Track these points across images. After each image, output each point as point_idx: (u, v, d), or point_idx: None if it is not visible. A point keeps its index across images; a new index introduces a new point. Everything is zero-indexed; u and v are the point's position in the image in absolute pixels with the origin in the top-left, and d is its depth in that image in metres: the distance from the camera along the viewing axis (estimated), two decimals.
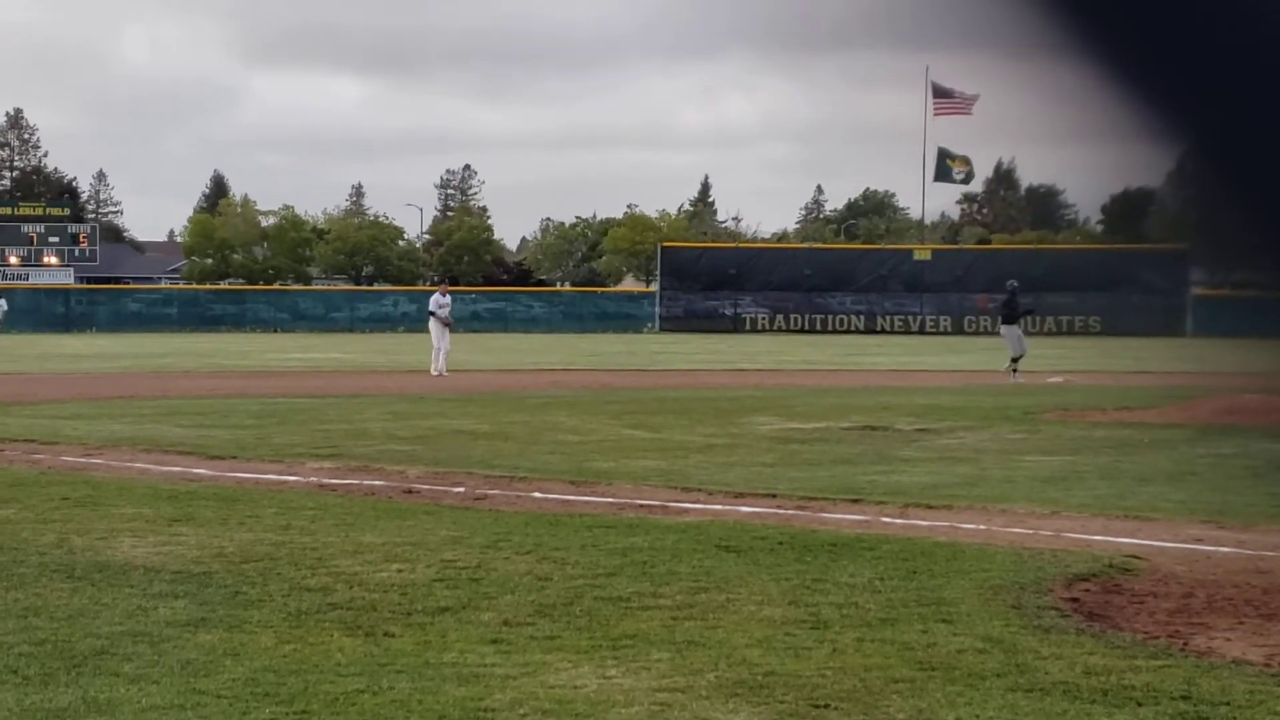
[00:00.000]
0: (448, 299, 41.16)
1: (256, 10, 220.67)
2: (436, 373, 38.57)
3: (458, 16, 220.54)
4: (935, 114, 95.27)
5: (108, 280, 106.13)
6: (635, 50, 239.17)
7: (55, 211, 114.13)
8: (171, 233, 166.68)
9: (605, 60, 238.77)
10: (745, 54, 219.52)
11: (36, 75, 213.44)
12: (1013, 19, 2.18)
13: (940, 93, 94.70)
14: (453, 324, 39.92)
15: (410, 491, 14.61)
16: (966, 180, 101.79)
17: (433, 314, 40.38)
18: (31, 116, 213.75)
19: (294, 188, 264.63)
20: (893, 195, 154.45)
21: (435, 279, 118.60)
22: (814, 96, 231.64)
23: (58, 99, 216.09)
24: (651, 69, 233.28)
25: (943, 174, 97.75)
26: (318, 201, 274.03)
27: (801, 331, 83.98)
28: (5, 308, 60.54)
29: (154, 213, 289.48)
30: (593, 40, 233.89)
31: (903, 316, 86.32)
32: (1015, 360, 37.27)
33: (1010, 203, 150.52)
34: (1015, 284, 40.29)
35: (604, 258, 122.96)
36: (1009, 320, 38.54)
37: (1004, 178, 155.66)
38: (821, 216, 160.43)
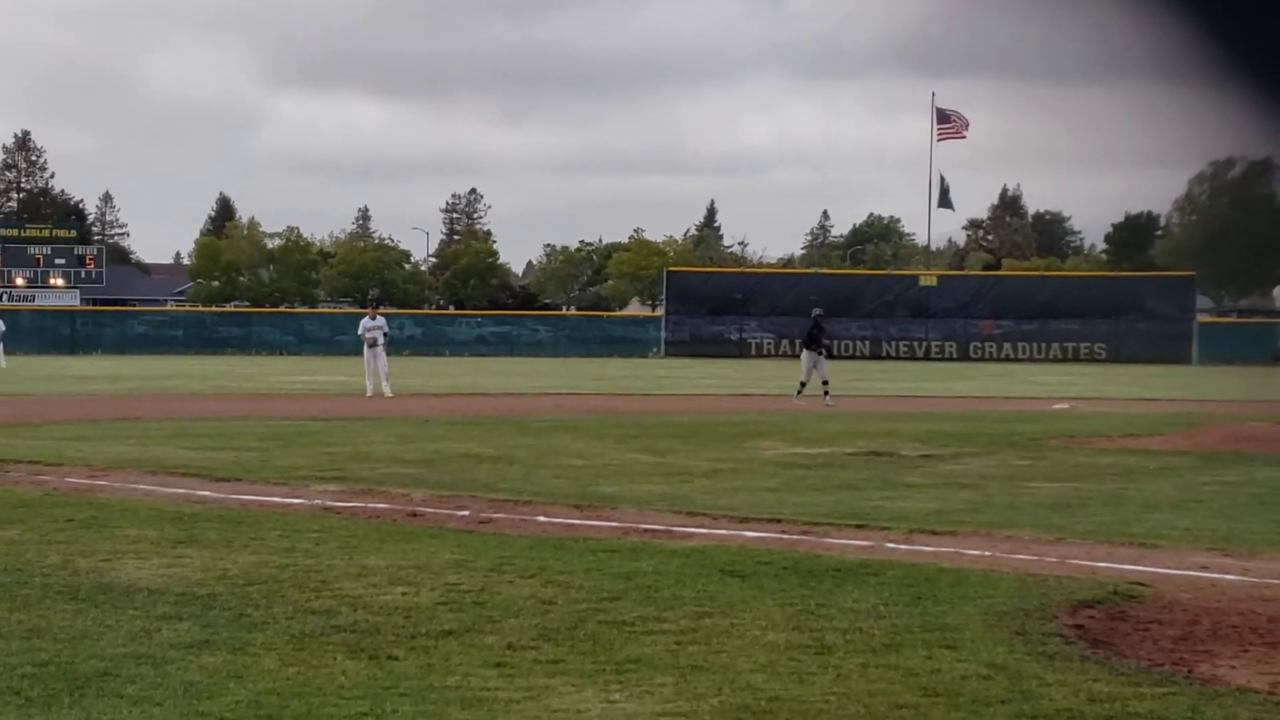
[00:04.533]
0: (378, 321, 41.65)
1: (284, 35, 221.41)
2: (372, 394, 39.03)
3: (485, 41, 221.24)
4: (939, 139, 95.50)
5: (114, 302, 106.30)
6: (658, 75, 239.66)
7: (62, 233, 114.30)
8: (178, 255, 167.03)
9: (628, 84, 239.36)
10: (767, 80, 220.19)
11: (58, 98, 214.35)
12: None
13: (942, 117, 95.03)
14: (379, 344, 40.38)
15: (415, 514, 14.60)
16: (945, 204, 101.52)
17: (361, 337, 41.05)
18: (48, 139, 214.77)
19: (303, 211, 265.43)
20: (898, 221, 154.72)
21: (442, 302, 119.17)
22: (829, 121, 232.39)
23: (78, 122, 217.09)
24: (673, 94, 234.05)
25: (944, 200, 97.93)
26: (325, 225, 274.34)
27: None
28: (3, 328, 60.52)
29: (164, 235, 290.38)
30: (617, 64, 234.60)
31: (908, 342, 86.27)
32: (803, 385, 38.42)
33: (1016, 229, 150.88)
34: (820, 311, 40.78)
35: (609, 282, 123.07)
36: (810, 346, 38.87)
37: (1010, 204, 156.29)
38: (827, 242, 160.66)
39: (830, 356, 40.40)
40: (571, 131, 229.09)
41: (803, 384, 38.63)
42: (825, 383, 38.02)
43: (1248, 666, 8.27)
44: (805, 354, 39.34)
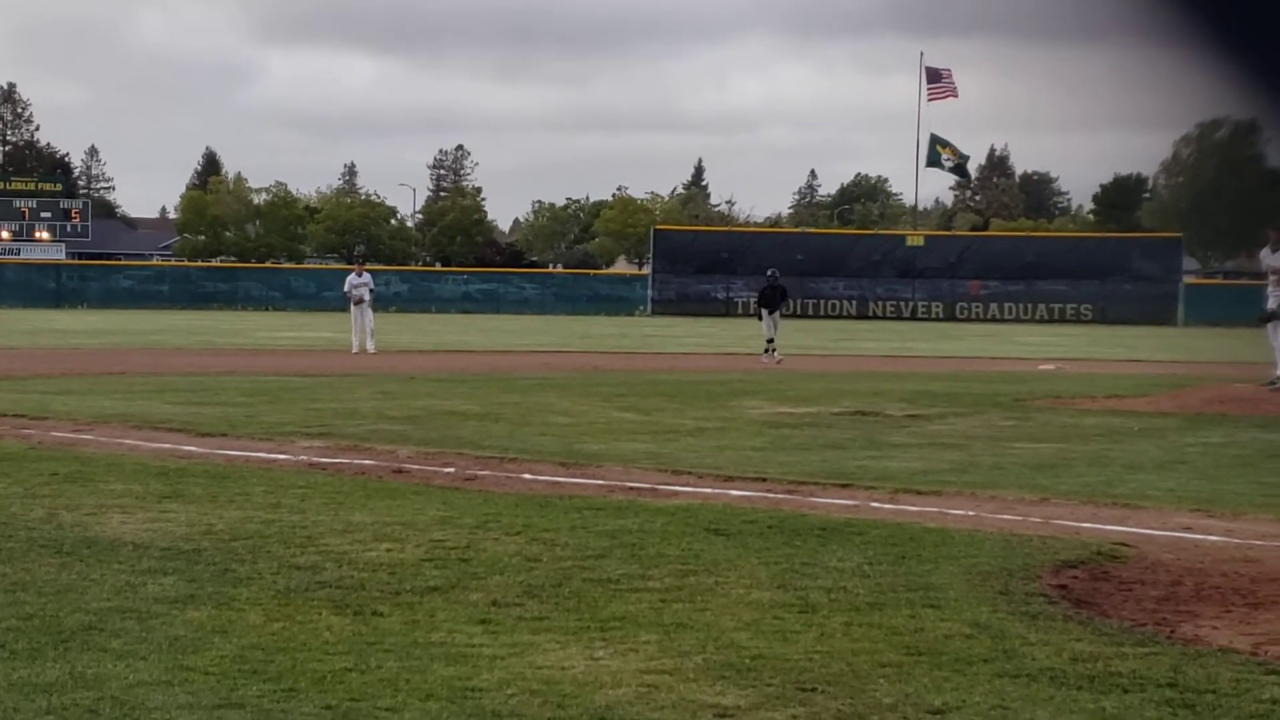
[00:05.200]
0: (364, 278, 41.61)
1: None
2: (357, 351, 39.03)
3: None
4: (929, 99, 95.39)
5: (99, 256, 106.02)
6: (650, 32, 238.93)
7: (47, 187, 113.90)
8: (164, 209, 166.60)
9: (620, 41, 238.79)
10: (758, 38, 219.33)
11: (45, 50, 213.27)
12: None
13: (932, 76, 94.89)
14: (366, 301, 40.41)
15: (400, 471, 14.60)
16: (957, 170, 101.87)
17: (347, 294, 41.06)
18: (35, 91, 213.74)
19: (291, 166, 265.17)
20: (885, 180, 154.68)
21: (428, 259, 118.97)
22: (818, 80, 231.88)
23: (65, 74, 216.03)
24: (664, 51, 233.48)
25: (934, 160, 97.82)
26: (313, 180, 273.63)
27: (793, 316, 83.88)
28: None
29: (150, 189, 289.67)
30: (610, 21, 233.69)
31: (895, 302, 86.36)
32: (770, 342, 39.27)
33: (1003, 189, 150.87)
34: (776, 271, 41.90)
35: (596, 240, 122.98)
36: (770, 306, 39.89)
37: (997, 164, 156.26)
38: (815, 201, 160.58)
39: (783, 316, 41.05)
40: (562, 89, 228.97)
41: (769, 341, 39.29)
42: (770, 340, 38.85)
43: (1230, 627, 8.30)
44: (764, 314, 39.91)
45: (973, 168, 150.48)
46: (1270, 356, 25.49)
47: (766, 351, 38.86)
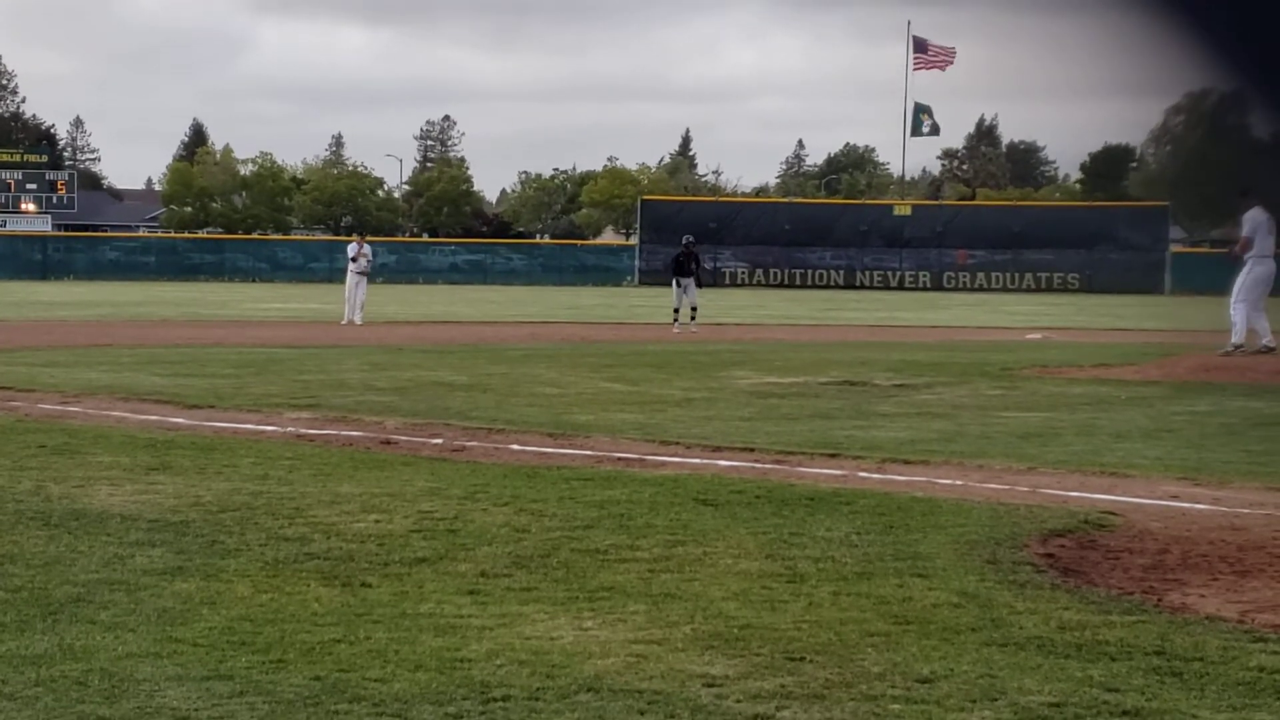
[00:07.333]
0: (365, 248, 41.79)
1: None
2: (347, 322, 39.17)
3: None
4: (915, 68, 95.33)
5: (85, 228, 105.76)
6: (641, 1, 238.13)
7: (33, 158, 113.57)
8: (149, 180, 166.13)
9: (612, 10, 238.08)
10: (750, 7, 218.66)
11: (30, 20, 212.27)
12: None
13: (919, 46, 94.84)
14: (368, 273, 40.80)
15: (388, 442, 14.59)
16: (933, 132, 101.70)
17: (353, 260, 41.22)
18: (20, 62, 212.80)
19: (278, 137, 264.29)
20: (873, 150, 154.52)
21: (415, 230, 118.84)
22: (810, 49, 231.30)
23: (51, 45, 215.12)
24: (656, 20, 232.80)
25: (917, 128, 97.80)
26: (299, 151, 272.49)
27: (780, 286, 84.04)
28: None
29: (136, 161, 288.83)
30: None
31: (882, 272, 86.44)
32: (677, 311, 39.42)
33: (990, 159, 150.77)
34: (690, 238, 42.21)
35: (583, 210, 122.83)
36: (682, 273, 39.97)
37: (985, 134, 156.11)
38: (802, 171, 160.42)
39: (700, 284, 41.35)
40: (551, 58, 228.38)
41: (676, 311, 39.45)
42: (693, 309, 39.09)
43: (1217, 595, 8.32)
44: (677, 283, 40.00)
45: (961, 137, 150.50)
46: (1228, 323, 25.52)
47: (675, 321, 38.86)
